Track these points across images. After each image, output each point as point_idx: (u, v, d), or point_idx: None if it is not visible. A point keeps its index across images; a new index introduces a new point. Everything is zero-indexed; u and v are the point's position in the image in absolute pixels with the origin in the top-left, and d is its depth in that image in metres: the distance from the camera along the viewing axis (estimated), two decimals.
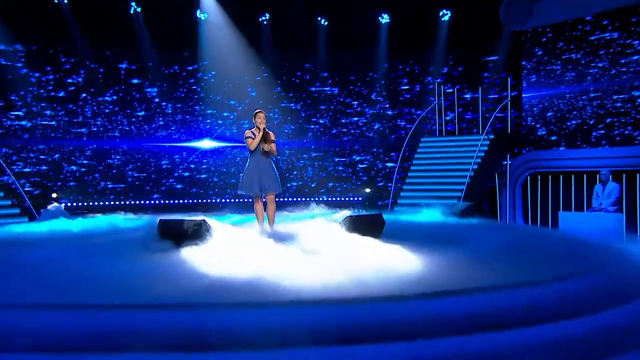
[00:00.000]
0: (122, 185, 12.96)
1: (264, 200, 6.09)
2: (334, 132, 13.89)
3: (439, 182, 10.43)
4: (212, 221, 5.26)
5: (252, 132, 6.02)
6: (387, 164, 13.84)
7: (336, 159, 13.97)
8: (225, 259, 4.13)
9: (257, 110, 6.00)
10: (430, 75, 13.58)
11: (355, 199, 13.52)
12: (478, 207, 8.40)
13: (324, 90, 13.84)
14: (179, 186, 13.43)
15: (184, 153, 13.55)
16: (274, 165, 6.04)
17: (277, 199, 6.11)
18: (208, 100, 13.48)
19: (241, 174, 5.99)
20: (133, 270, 3.69)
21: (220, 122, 13.57)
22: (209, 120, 13.63)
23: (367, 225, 5.39)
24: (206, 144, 13.48)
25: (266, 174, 5.94)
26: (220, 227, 5.25)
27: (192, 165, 13.61)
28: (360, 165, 13.87)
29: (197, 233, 4.98)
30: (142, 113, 13.16)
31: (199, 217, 5.16)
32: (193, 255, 4.39)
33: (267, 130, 5.93)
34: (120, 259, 4.18)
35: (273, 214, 6.06)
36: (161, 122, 13.36)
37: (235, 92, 13.63)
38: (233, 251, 4.47)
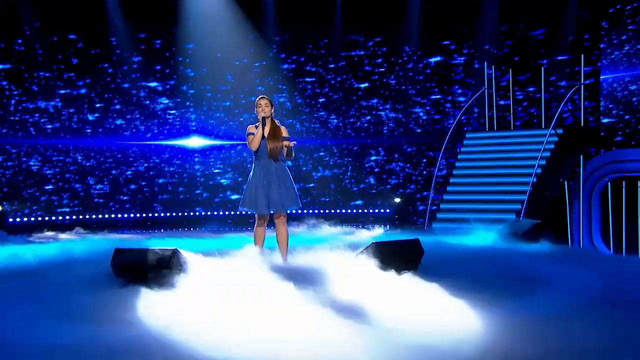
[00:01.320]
0: (85, 195, 12.98)
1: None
2: (354, 126, 13.87)
3: (490, 190, 9.96)
4: (188, 253, 5.11)
5: (255, 126, 5.78)
6: (423, 167, 13.82)
7: (357, 160, 13.88)
8: (201, 319, 3.78)
9: (259, 96, 5.76)
10: (477, 54, 13.37)
11: (382, 211, 13.39)
12: (546, 225, 7.85)
13: (341, 74, 13.78)
14: (163, 196, 13.44)
15: (165, 154, 13.61)
16: (289, 173, 5.79)
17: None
18: (197, 88, 13.47)
19: (243, 186, 5.83)
20: (60, 339, 3.23)
21: (216, 114, 13.60)
22: (200, 112, 13.62)
23: (399, 254, 5.24)
24: (194, 142, 13.50)
25: (277, 185, 5.67)
26: (200, 260, 5.11)
27: (177, 170, 13.64)
28: (387, 167, 13.90)
29: (163, 270, 4.71)
30: (118, 107, 13.20)
31: (168, 248, 4.94)
32: (154, 307, 4.02)
33: (275, 122, 5.64)
34: (47, 316, 3.74)
35: (286, 241, 5.80)
36: (138, 116, 13.39)
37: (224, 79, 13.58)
38: (215, 302, 4.14)
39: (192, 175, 13.66)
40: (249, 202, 5.69)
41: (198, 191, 13.61)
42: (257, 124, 5.73)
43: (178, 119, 13.55)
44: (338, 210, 13.32)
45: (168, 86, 13.41)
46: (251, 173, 5.77)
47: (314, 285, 4.54)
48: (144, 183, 13.44)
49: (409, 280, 4.74)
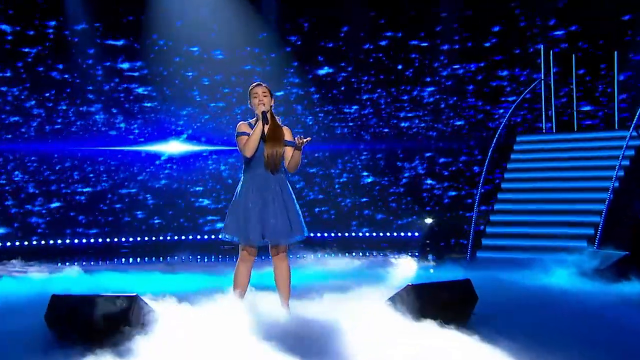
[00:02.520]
0: (23, 216, 12.92)
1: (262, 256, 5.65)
2: (375, 130, 14.12)
3: (551, 210, 9.71)
4: (154, 300, 5.06)
5: (248, 124, 5.40)
6: (462, 179, 13.86)
7: (375, 171, 14.06)
8: None
9: (254, 84, 5.47)
10: (529, 36, 13.43)
11: (408, 234, 13.31)
12: (637, 257, 7.67)
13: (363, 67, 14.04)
14: (136, 213, 13.44)
15: (136, 166, 13.67)
16: (291, 190, 5.43)
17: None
18: (174, 85, 13.73)
19: (228, 205, 5.50)
20: None
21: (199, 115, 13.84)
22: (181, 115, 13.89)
23: (444, 302, 5.04)
24: (173, 147, 13.65)
25: (276, 206, 5.30)
26: (171, 309, 4.99)
27: (149, 182, 13.75)
28: (414, 178, 14.01)
29: (119, 326, 4.44)
30: (86, 108, 13.35)
31: (125, 294, 4.64)
32: None
33: (275, 118, 5.34)
34: None
35: (288, 281, 5.36)
36: (102, 116, 13.54)
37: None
38: None
39: (166, 190, 13.80)
40: (236, 229, 5.23)
41: (174, 211, 13.74)
42: (250, 121, 5.39)
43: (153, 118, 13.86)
44: (348, 234, 13.54)
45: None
46: (239, 188, 5.35)
47: (326, 347, 4.35)
48: (105, 199, 13.54)
49: (456, 339, 4.52)
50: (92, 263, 10.75)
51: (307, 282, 6.91)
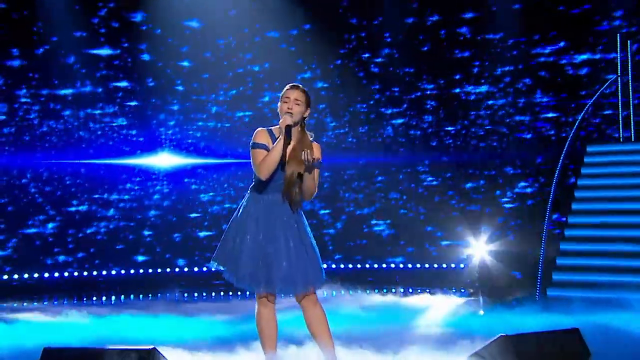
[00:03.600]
0: None
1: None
2: (418, 142, 14.10)
3: (636, 237, 9.60)
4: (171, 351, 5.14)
5: (268, 132, 5.11)
6: (521, 196, 13.67)
7: (415, 191, 13.97)
8: None
9: (288, 86, 5.21)
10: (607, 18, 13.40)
11: (452, 266, 13.19)
12: None
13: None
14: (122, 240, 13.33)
15: (121, 180, 13.59)
16: (307, 225, 5.26)
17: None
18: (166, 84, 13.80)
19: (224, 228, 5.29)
20: None
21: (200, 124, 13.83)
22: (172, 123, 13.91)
23: (548, 357, 4.96)
24: (164, 160, 13.66)
25: (289, 248, 5.10)
26: None
27: (134, 202, 13.71)
28: (454, 196, 13.79)
29: None
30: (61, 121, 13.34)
31: (141, 348, 4.57)
32: None
33: (307, 135, 5.16)
34: None
35: (326, 326, 5.12)
36: (76, 124, 13.54)
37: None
38: None
39: (158, 211, 13.78)
40: (233, 265, 5.05)
41: (173, 235, 13.73)
42: (272, 128, 5.13)
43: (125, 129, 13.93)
44: (377, 265, 13.53)
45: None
46: (239, 213, 5.15)
47: None
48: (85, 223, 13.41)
49: None
50: (65, 303, 10.57)
51: (346, 327, 6.70)
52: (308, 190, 5.02)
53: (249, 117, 13.62)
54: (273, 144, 4.96)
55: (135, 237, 13.59)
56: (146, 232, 13.72)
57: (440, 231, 13.81)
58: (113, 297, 11.50)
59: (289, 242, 4.98)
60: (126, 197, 13.81)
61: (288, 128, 4.85)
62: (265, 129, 5.11)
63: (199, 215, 13.89)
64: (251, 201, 5.10)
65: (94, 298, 11.41)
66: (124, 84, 13.94)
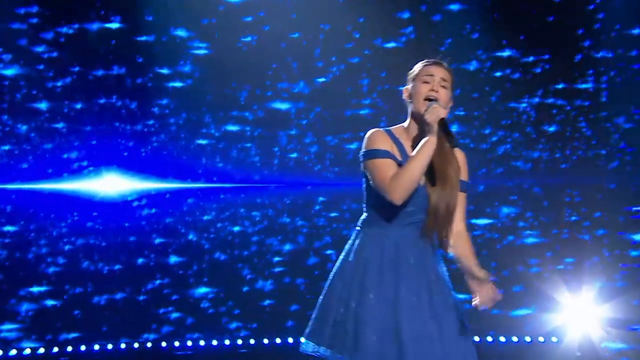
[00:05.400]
0: None
1: None
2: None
3: None
4: None
5: (389, 134, 4.30)
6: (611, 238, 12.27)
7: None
8: None
9: (427, 61, 4.41)
10: None
11: (546, 340, 11.59)
12: None
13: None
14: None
15: (74, 214, 11.99)
16: (445, 271, 4.38)
17: None
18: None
19: (323, 290, 4.47)
20: None
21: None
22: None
23: None
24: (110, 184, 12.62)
25: (435, 313, 4.13)
26: None
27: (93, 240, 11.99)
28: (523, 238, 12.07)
29: None
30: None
31: None
32: None
33: (453, 134, 4.24)
34: None
35: None
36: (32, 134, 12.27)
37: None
38: None
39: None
40: (352, 347, 4.11)
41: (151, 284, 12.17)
42: (392, 129, 4.37)
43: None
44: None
45: None
46: (348, 260, 4.30)
47: None
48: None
49: None
50: None
51: None
52: (452, 224, 4.25)
53: None
54: (398, 151, 4.21)
55: None
56: None
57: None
58: None
59: (436, 309, 4.09)
60: None
61: (443, 122, 4.07)
62: (382, 129, 4.46)
63: None
64: (365, 242, 4.25)
65: None
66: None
